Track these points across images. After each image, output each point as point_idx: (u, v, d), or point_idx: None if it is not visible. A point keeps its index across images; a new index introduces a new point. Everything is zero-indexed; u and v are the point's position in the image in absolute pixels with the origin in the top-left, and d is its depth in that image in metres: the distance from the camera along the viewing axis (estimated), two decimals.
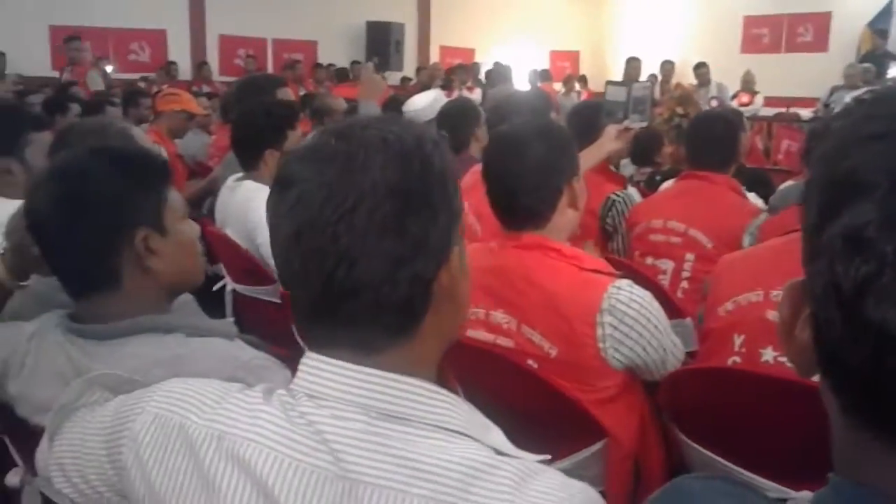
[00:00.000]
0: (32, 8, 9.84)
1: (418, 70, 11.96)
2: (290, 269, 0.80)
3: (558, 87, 12.70)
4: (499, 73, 10.22)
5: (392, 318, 0.79)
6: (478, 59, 13.01)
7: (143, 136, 1.77)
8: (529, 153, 1.64)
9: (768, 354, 1.69)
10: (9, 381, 1.29)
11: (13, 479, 1.61)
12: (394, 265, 0.77)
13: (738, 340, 1.75)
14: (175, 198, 1.30)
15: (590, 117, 2.84)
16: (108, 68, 9.10)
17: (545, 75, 12.67)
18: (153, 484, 0.82)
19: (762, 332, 1.70)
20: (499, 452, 0.77)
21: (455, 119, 3.24)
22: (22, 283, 1.43)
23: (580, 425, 1.60)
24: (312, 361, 0.80)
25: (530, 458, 0.77)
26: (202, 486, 0.79)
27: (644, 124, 2.74)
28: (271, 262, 2.53)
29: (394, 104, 4.47)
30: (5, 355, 1.29)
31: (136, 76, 9.95)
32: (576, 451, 1.62)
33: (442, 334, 0.85)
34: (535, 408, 1.57)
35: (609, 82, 2.82)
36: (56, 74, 9.10)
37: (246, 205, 2.63)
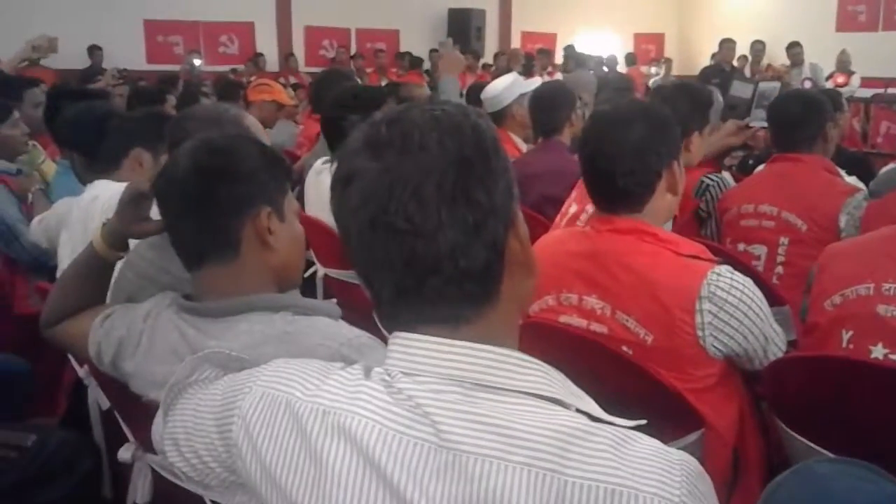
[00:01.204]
0: (127, 3, 10.23)
1: (497, 56, 11.90)
2: (370, 257, 0.82)
3: (645, 69, 12.43)
4: (573, 58, 10.08)
5: (473, 287, 0.80)
6: (559, 43, 12.86)
7: (257, 123, 1.83)
8: (629, 134, 1.61)
9: (878, 351, 1.62)
10: (125, 360, 1.36)
11: (125, 454, 1.68)
12: (468, 233, 0.78)
13: (845, 336, 1.67)
14: (292, 198, 1.38)
15: (678, 100, 2.75)
16: (197, 62, 9.39)
17: (630, 58, 12.42)
18: (264, 459, 0.85)
19: (872, 328, 1.63)
20: (593, 419, 0.77)
21: (547, 102, 3.20)
22: (120, 254, 1.50)
23: (678, 414, 1.56)
24: (403, 340, 0.82)
25: (625, 425, 0.77)
26: (311, 459, 0.81)
27: (765, 124, 2.65)
28: None
29: (475, 91, 4.45)
30: (121, 335, 1.36)
31: (225, 68, 10.24)
32: (673, 440, 1.59)
33: (519, 300, 0.86)
34: (630, 395, 1.54)
35: (717, 72, 2.73)
36: (151, 68, 9.43)
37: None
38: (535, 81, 4.07)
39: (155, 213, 1.41)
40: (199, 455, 0.96)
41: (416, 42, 12.32)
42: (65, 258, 2.19)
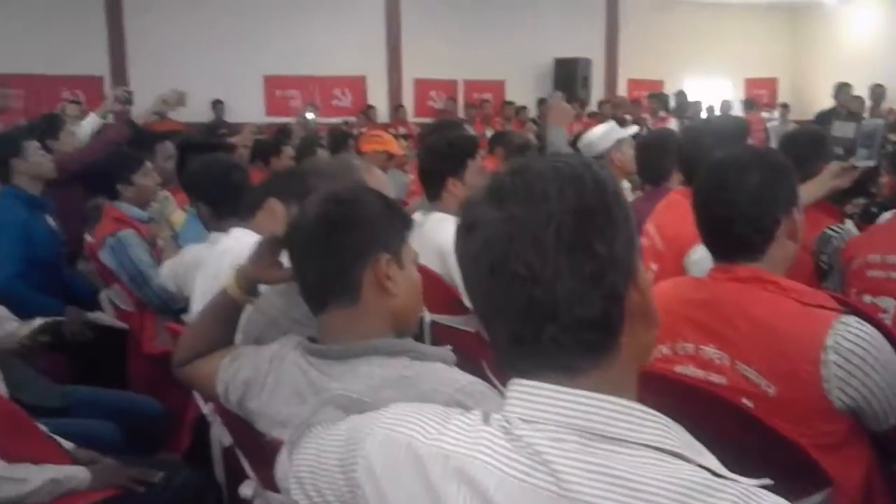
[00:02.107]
0: (248, 59, 10.83)
1: (601, 103, 11.87)
2: (490, 304, 0.84)
3: (765, 114, 12.12)
4: (683, 104, 9.94)
5: (592, 337, 0.81)
6: (667, 90, 12.72)
7: (381, 176, 1.92)
8: (747, 181, 1.58)
9: None
10: (251, 399, 1.43)
11: (246, 490, 1.75)
12: (587, 283, 0.79)
13: None
14: (410, 246, 1.44)
15: (806, 145, 2.69)
16: (310, 115, 9.83)
17: (749, 104, 12.13)
18: (386, 500, 0.87)
19: None
20: (715, 475, 0.75)
21: (652, 151, 3.19)
22: (251, 298, 1.59)
23: (802, 472, 1.49)
24: (521, 387, 0.83)
25: (750, 483, 0.75)
26: (432, 502, 0.83)
27: (872, 163, 2.55)
28: (463, 290, 2.63)
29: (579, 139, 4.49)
30: (248, 376, 1.43)
31: (338, 119, 10.65)
32: (797, 499, 1.52)
33: (638, 352, 0.86)
34: (750, 450, 1.48)
35: (835, 116, 2.65)
36: (269, 120, 9.91)
37: (435, 235, 2.73)
38: (632, 128, 4.08)
39: (284, 261, 1.50)
40: (322, 494, 0.99)
41: (521, 91, 12.48)
42: (196, 302, 2.31)
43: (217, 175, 2.67)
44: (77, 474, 1.92)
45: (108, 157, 3.68)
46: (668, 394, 1.58)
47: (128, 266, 3.27)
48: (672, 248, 2.33)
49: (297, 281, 1.43)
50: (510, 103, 12.02)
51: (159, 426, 2.79)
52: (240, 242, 2.21)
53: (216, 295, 1.59)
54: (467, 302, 2.52)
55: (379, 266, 1.36)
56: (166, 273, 3.01)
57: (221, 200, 2.64)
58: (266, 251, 1.54)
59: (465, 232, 0.85)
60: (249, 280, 1.56)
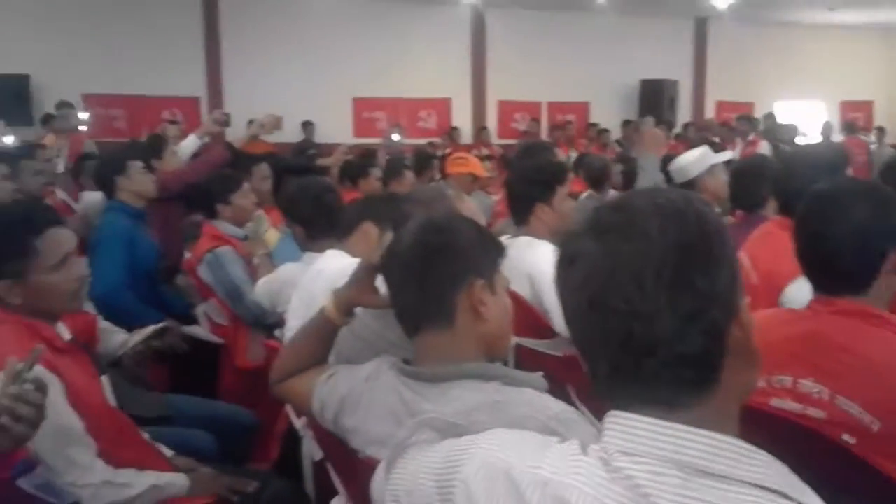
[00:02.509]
0: (337, 81, 11.13)
1: (685, 126, 11.66)
2: (589, 336, 0.85)
3: (865, 137, 11.68)
4: (773, 126, 9.66)
5: (691, 373, 0.81)
6: (757, 113, 12.40)
7: (473, 206, 1.96)
8: (854, 215, 1.54)
9: None
10: (346, 417, 1.47)
11: None
12: (687, 320, 0.79)
13: None
14: (502, 271, 1.47)
15: None
16: (395, 137, 10.00)
17: (849, 127, 11.70)
18: None
19: None
20: None
21: (748, 178, 3.12)
22: (347, 320, 1.63)
23: None
24: (621, 419, 0.83)
25: None
26: None
27: None
28: (552, 315, 2.63)
29: (667, 161, 4.41)
30: (344, 394, 1.48)
31: (423, 141, 10.80)
32: None
33: (739, 389, 0.85)
34: (852, 489, 1.44)
35: None
36: (357, 141, 10.13)
37: (523, 260, 2.74)
38: (726, 153, 4.00)
39: (380, 286, 1.55)
40: None
41: (606, 113, 12.40)
42: (291, 319, 2.38)
43: (311, 197, 2.75)
44: (177, 481, 2.00)
45: (209, 177, 3.84)
46: (763, 428, 1.55)
47: (224, 281, 3.39)
48: (768, 282, 2.27)
49: (393, 305, 1.47)
50: (594, 125, 11.95)
51: (250, 436, 2.87)
52: (334, 264, 2.27)
53: (314, 315, 1.64)
54: (557, 327, 2.52)
55: (473, 291, 1.39)
56: (261, 290, 3.11)
57: (315, 222, 2.72)
58: (363, 276, 1.58)
59: (566, 264, 0.87)
60: (346, 303, 1.60)
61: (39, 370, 1.48)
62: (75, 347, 1.90)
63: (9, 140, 7.21)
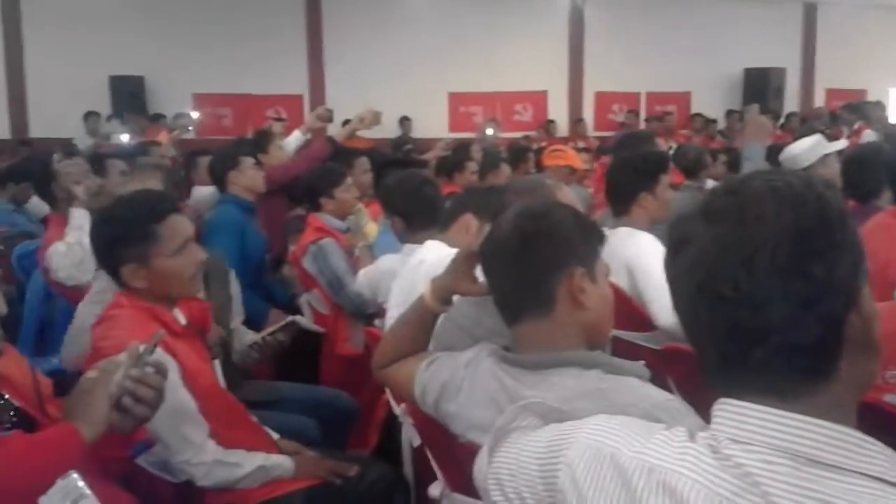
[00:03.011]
0: (435, 78, 11.23)
1: (788, 116, 11.14)
2: (696, 322, 0.84)
3: None
4: (882, 115, 9.15)
5: (805, 362, 0.78)
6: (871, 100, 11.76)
7: (571, 196, 1.96)
8: None
9: None
10: (447, 402, 1.50)
11: (434, 490, 1.83)
12: (800, 307, 0.77)
13: None
14: (602, 261, 1.46)
15: None
16: (489, 131, 10.01)
17: None
18: None
19: None
20: None
21: (863, 167, 2.98)
22: (445, 308, 1.66)
23: None
24: (731, 407, 0.82)
25: None
26: None
27: None
28: (651, 307, 2.60)
29: (774, 152, 4.26)
30: (444, 379, 1.51)
31: (518, 134, 10.78)
32: None
33: (858, 380, 0.82)
34: None
35: None
36: (453, 136, 10.20)
37: (623, 251, 2.70)
38: (840, 143, 3.83)
39: (479, 275, 1.56)
40: (521, 496, 1.03)
41: (708, 103, 12.03)
42: (391, 308, 2.44)
43: (410, 190, 2.80)
44: (283, 463, 2.08)
45: (313, 171, 3.95)
46: (875, 424, 1.49)
47: (326, 272, 3.49)
48: (883, 274, 2.18)
49: (492, 293, 1.48)
50: (698, 115, 11.62)
51: (350, 422, 2.95)
52: (434, 254, 2.31)
53: (413, 303, 1.68)
54: (656, 319, 2.47)
55: (573, 279, 1.38)
56: (362, 280, 3.18)
57: (414, 214, 2.77)
58: (462, 264, 1.60)
59: (675, 248, 0.86)
60: (444, 291, 1.63)
61: (159, 353, 1.56)
62: (190, 332, 2.00)
63: (125, 138, 7.62)
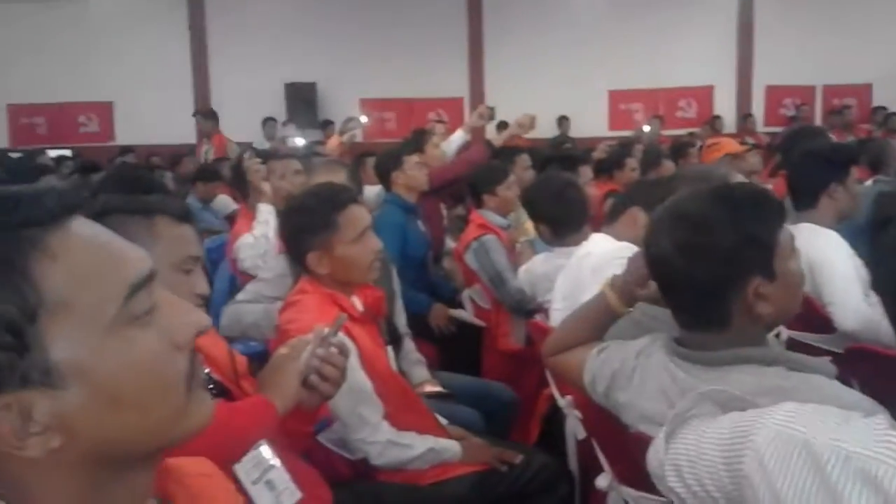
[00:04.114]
0: (593, 75, 11.12)
1: None
2: None
3: None
4: None
5: None
6: None
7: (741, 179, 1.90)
8: None
9: None
10: (618, 391, 1.50)
11: (602, 482, 1.83)
12: None
13: None
14: (786, 237, 1.34)
15: None
16: (646, 128, 9.75)
17: None
18: (778, 493, 0.88)
19: None
20: None
21: None
22: (628, 309, 1.64)
23: None
24: None
25: None
26: (830, 501, 0.82)
27: None
28: (833, 308, 2.45)
29: None
30: (615, 368, 1.51)
31: (682, 131, 10.45)
32: None
33: None
34: None
35: None
36: (612, 134, 10.06)
37: (807, 249, 2.57)
38: None
39: None
40: (702, 483, 1.02)
41: (891, 96, 11.12)
42: (556, 301, 2.46)
43: (553, 194, 2.78)
44: (451, 447, 2.15)
45: (476, 168, 4.04)
46: None
47: (488, 268, 3.56)
48: None
49: (664, 300, 1.44)
50: (880, 108, 10.77)
51: (512, 414, 2.99)
52: (601, 247, 2.31)
53: (594, 297, 1.67)
54: (837, 320, 2.33)
55: (748, 293, 1.29)
56: (523, 276, 3.22)
57: (558, 219, 2.76)
58: (639, 266, 1.55)
59: (881, 226, 0.84)
60: (628, 293, 1.59)
61: (341, 336, 1.67)
62: (367, 318, 2.12)
63: (299, 142, 8.08)
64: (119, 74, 11.07)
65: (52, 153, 9.65)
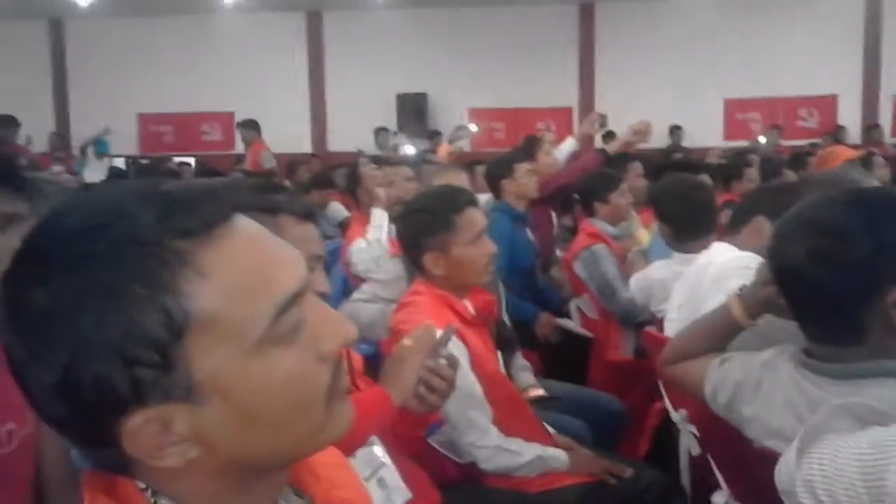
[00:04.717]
0: (708, 83, 10.84)
1: None
2: None
3: None
4: None
5: None
6: None
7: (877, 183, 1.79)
8: None
9: None
10: (742, 404, 1.44)
11: (718, 499, 1.77)
12: None
13: None
14: None
15: None
16: (762, 139, 9.40)
17: None
18: None
19: None
20: None
21: None
22: (754, 322, 1.57)
23: None
24: None
25: None
26: None
27: None
28: None
29: None
30: (739, 379, 1.45)
31: (802, 142, 10.02)
32: None
33: None
34: None
35: None
36: (728, 144, 9.75)
37: None
38: None
39: None
40: (837, 501, 0.97)
41: None
42: (672, 311, 2.39)
43: (680, 195, 2.71)
44: (559, 456, 2.12)
45: (589, 175, 3.99)
46: None
47: (597, 278, 3.51)
48: None
49: (791, 312, 1.37)
50: None
51: (620, 426, 2.93)
52: (722, 256, 2.23)
53: (716, 309, 1.61)
54: None
55: (886, 305, 1.21)
56: (634, 286, 3.15)
57: (684, 221, 2.68)
58: (767, 279, 1.47)
59: None
60: (751, 304, 1.53)
61: (452, 342, 1.67)
62: (478, 321, 2.13)
63: (410, 150, 8.22)
64: (240, 86, 11.58)
65: (177, 160, 10.19)
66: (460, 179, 2.95)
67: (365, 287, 2.79)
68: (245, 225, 0.67)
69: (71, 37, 12.23)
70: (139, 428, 0.61)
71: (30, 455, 1.40)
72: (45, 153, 9.79)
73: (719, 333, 1.59)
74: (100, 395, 0.60)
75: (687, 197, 2.72)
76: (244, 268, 0.64)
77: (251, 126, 8.08)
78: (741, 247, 2.26)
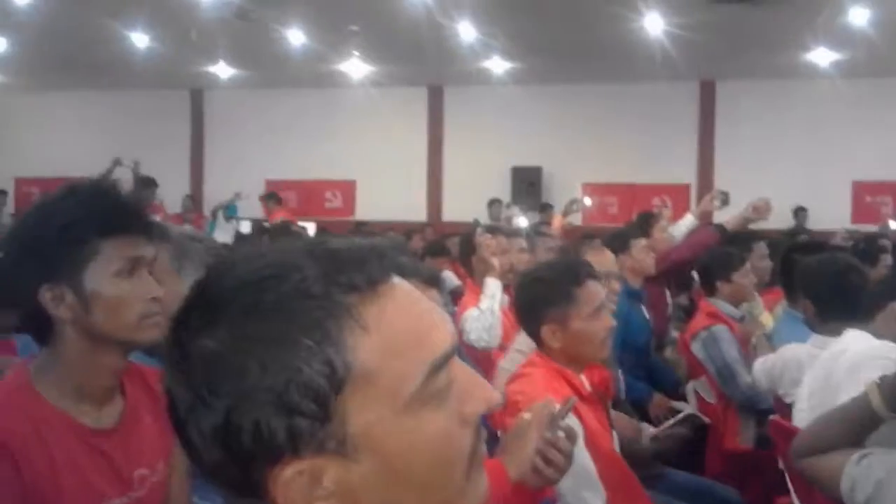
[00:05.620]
0: (835, 165, 10.42)
1: None
2: None
3: None
4: None
5: None
6: None
7: None
8: None
9: None
10: (882, 502, 1.35)
11: None
12: None
13: None
14: None
15: None
16: (893, 225, 8.92)
17: None
18: None
19: None
20: None
21: None
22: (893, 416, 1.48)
23: None
24: None
25: None
26: None
27: None
28: None
29: None
30: (881, 477, 1.36)
31: None
32: None
33: None
34: None
35: None
36: (855, 228, 9.30)
37: None
38: None
39: None
40: None
41: None
42: (802, 400, 2.27)
43: (832, 274, 2.59)
44: None
45: (711, 254, 3.88)
46: None
47: (717, 360, 3.38)
48: None
49: None
50: None
51: None
52: (859, 344, 2.11)
53: (854, 400, 1.54)
54: None
55: None
56: (759, 369, 3.02)
57: (831, 301, 2.56)
58: None
59: None
60: (893, 396, 1.45)
61: (569, 418, 1.64)
62: (594, 398, 2.08)
63: (523, 223, 8.25)
64: (362, 156, 12.00)
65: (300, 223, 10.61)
66: (606, 259, 2.94)
67: (509, 357, 2.77)
68: (403, 284, 0.68)
69: (209, 106, 13.06)
70: (291, 479, 0.62)
71: (157, 502, 1.45)
72: (177, 213, 10.40)
73: (857, 426, 1.51)
74: (258, 441, 0.61)
75: (842, 276, 2.59)
76: (402, 326, 0.65)
77: (272, 198, 9.83)
78: (877, 334, 2.13)
